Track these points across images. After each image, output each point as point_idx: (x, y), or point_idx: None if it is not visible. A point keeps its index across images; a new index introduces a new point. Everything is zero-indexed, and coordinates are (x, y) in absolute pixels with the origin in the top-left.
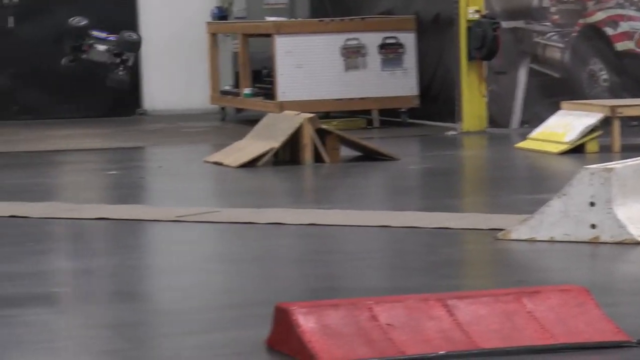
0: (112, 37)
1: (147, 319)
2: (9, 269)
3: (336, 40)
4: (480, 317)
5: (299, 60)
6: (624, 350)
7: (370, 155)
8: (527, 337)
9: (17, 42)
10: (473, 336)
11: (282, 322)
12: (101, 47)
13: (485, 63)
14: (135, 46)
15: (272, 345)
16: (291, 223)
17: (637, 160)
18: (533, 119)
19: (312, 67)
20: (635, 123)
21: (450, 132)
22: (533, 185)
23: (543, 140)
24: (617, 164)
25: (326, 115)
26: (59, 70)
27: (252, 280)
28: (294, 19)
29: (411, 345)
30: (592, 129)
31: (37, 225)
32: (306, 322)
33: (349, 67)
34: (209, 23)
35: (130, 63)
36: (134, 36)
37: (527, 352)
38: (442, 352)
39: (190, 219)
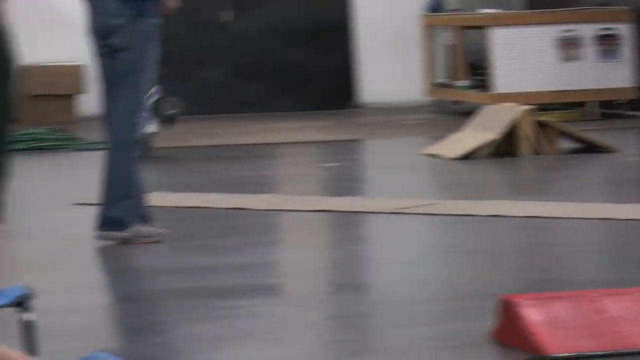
0: None
1: (373, 310)
2: (235, 261)
3: (551, 32)
4: None
5: (514, 52)
6: None
7: (588, 148)
8: None
9: (235, 37)
10: None
11: (507, 314)
12: None
13: None
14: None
15: (498, 337)
16: (510, 215)
17: None
18: None
19: (527, 58)
20: None
21: None
22: None
23: None
24: None
25: (542, 108)
26: (272, 64)
27: (473, 272)
28: (509, 11)
29: (639, 338)
30: None
31: (259, 217)
32: (531, 314)
33: (564, 59)
34: (423, 15)
35: None
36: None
37: None
38: None
39: (410, 211)
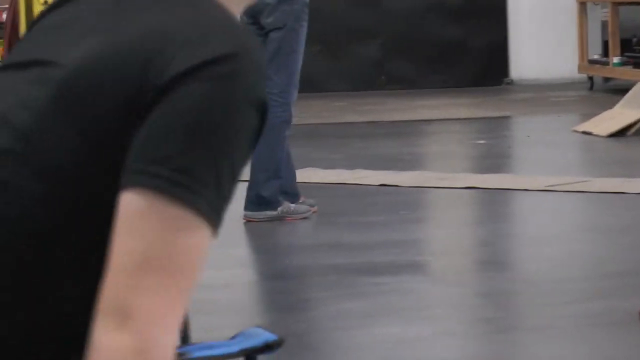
0: None
1: (520, 288)
2: (383, 237)
3: None
4: None
5: None
6: None
7: None
8: None
9: (387, 13)
10: None
11: None
12: None
13: None
14: None
15: None
16: None
17: None
18: None
19: None
20: None
21: None
22: None
23: None
24: None
25: None
26: (425, 40)
27: (624, 250)
28: None
29: None
30: None
31: (407, 193)
32: None
33: None
34: None
35: None
36: None
37: None
38: None
39: (560, 189)
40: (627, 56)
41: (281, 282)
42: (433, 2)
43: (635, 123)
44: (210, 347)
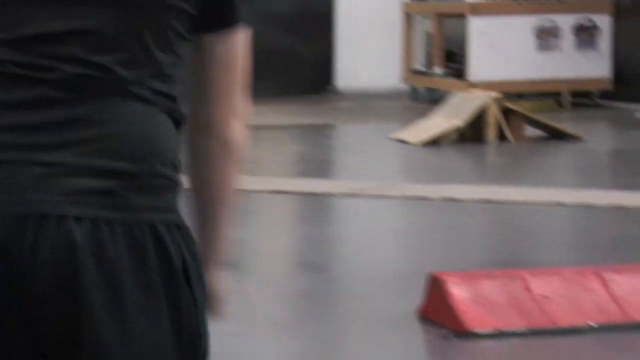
0: None
1: (320, 288)
2: None
3: (530, 21)
4: (637, 290)
5: (492, 40)
6: None
7: (555, 135)
8: None
9: None
10: (628, 309)
11: (436, 291)
12: None
13: None
14: None
15: (425, 314)
16: (466, 199)
17: None
18: None
19: (504, 47)
20: None
21: None
22: None
23: None
24: None
25: (518, 96)
26: (255, 49)
27: (420, 252)
28: (488, 0)
29: (564, 316)
30: None
31: None
32: (459, 291)
33: (541, 48)
34: (404, 3)
35: None
36: None
37: None
38: (595, 324)
39: (367, 193)
40: (450, 67)
41: None
42: (261, 10)
43: (447, 132)
44: None
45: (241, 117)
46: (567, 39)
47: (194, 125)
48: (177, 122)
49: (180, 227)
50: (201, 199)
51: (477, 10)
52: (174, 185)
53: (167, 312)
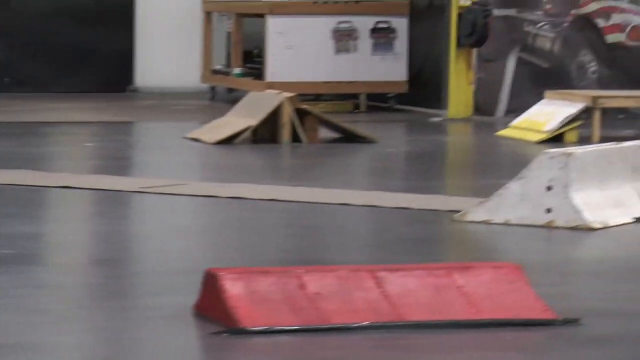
0: None
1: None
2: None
3: (328, 22)
4: (410, 290)
5: (290, 41)
6: (548, 328)
7: (349, 137)
8: (454, 311)
9: (16, 14)
10: (400, 308)
11: (210, 287)
12: None
13: (474, 50)
14: None
15: (200, 310)
16: (252, 198)
17: (600, 146)
18: (520, 108)
19: (303, 48)
20: (621, 116)
21: (435, 118)
22: (505, 171)
23: (524, 129)
24: (578, 149)
25: (317, 97)
26: (55, 44)
27: (206, 249)
28: (288, 0)
29: (337, 314)
30: (573, 119)
31: (3, 191)
32: (233, 287)
33: (339, 50)
34: (204, 1)
35: None
36: None
37: (452, 326)
38: (366, 323)
39: (154, 191)
40: (249, 67)
41: None
42: (64, 5)
43: (242, 131)
44: None
45: None
46: (365, 41)
47: None
48: None
49: None
50: None
51: (275, 10)
52: None
53: None
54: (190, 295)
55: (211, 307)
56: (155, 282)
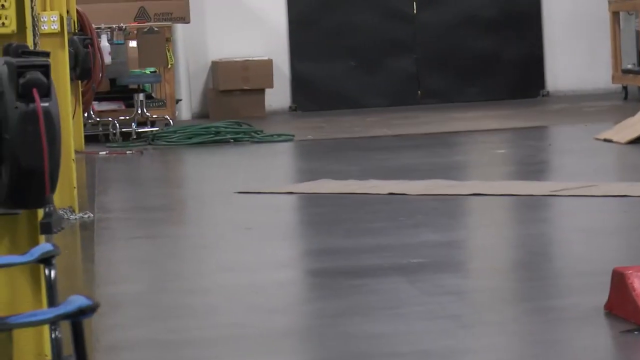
0: None
1: (501, 286)
2: (377, 242)
3: None
4: None
5: None
6: None
7: None
8: None
9: (421, 28)
10: None
11: (619, 286)
12: None
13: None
14: None
15: (610, 309)
16: None
17: None
18: None
19: None
20: None
21: None
22: None
23: None
24: None
25: None
26: (460, 54)
27: (612, 249)
28: None
29: None
30: None
31: (412, 201)
32: None
33: None
34: (610, 1)
35: None
36: None
37: None
38: None
39: (565, 194)
40: None
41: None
42: (467, 14)
43: None
44: (31, 315)
45: None
46: None
47: None
48: None
49: None
50: None
51: None
52: None
53: None
54: (602, 295)
55: (620, 306)
56: (566, 283)
